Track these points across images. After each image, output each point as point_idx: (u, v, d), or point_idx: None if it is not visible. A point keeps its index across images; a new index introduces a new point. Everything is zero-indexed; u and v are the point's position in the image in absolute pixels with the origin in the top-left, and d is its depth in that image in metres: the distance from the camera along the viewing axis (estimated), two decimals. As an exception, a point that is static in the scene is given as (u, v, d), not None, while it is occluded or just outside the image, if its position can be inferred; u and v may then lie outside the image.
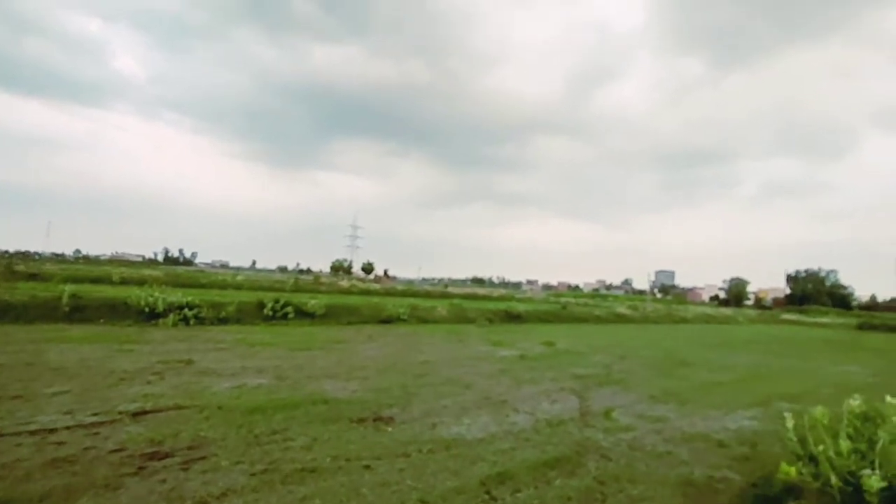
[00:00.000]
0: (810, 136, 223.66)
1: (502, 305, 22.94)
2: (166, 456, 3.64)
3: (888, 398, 2.99)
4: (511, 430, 4.89)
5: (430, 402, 5.79)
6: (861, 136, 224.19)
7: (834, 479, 2.90)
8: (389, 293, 31.20)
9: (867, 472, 2.72)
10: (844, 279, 77.72)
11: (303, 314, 14.39)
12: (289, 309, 14.08)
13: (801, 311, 51.66)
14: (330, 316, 14.97)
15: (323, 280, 40.30)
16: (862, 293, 79.96)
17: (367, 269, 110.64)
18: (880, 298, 78.99)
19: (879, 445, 2.87)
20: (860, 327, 33.49)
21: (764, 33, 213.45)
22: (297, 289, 26.12)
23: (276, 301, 14.19)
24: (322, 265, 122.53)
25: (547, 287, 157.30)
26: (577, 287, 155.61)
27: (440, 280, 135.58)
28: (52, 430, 4.02)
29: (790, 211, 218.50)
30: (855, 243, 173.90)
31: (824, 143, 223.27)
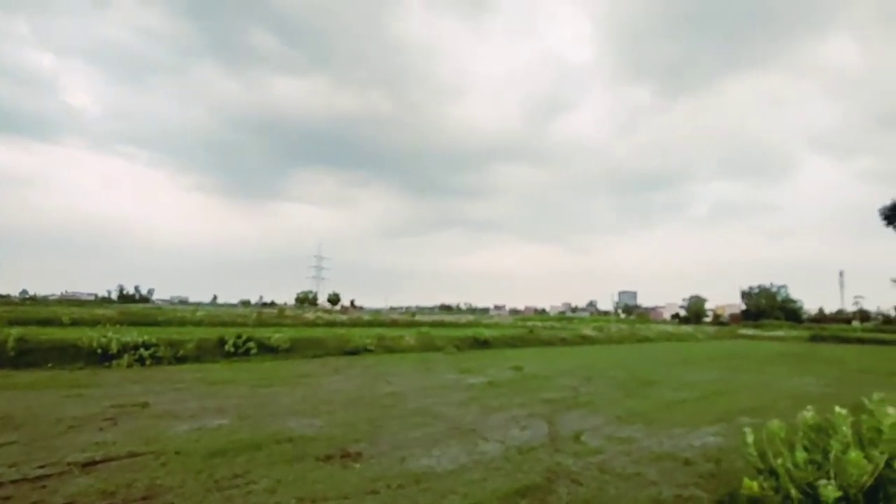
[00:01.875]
0: (753, 159, 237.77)
1: (470, 332, 22.90)
2: (119, 508, 3.43)
3: (837, 408, 3.13)
4: (481, 459, 4.84)
5: (399, 435, 5.68)
6: (799, 160, 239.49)
7: (793, 492, 2.99)
8: (356, 324, 30.67)
9: (823, 482, 2.82)
10: (794, 293, 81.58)
11: (266, 349, 13.97)
12: (251, 344, 13.65)
13: (756, 326, 53.70)
14: (294, 349, 14.59)
15: (287, 313, 39.27)
16: (810, 306, 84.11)
17: (334, 299, 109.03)
18: (827, 311, 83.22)
19: (833, 455, 2.98)
20: (812, 339, 35.02)
21: (706, 64, 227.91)
22: (260, 323, 25.38)
23: (238, 336, 13.73)
24: (287, 297, 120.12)
25: (514, 312, 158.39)
26: (543, 311, 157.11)
27: (408, 308, 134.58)
28: (-9, 487, 3.74)
29: (740, 230, 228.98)
30: (800, 259, 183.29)
31: (766, 166, 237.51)
